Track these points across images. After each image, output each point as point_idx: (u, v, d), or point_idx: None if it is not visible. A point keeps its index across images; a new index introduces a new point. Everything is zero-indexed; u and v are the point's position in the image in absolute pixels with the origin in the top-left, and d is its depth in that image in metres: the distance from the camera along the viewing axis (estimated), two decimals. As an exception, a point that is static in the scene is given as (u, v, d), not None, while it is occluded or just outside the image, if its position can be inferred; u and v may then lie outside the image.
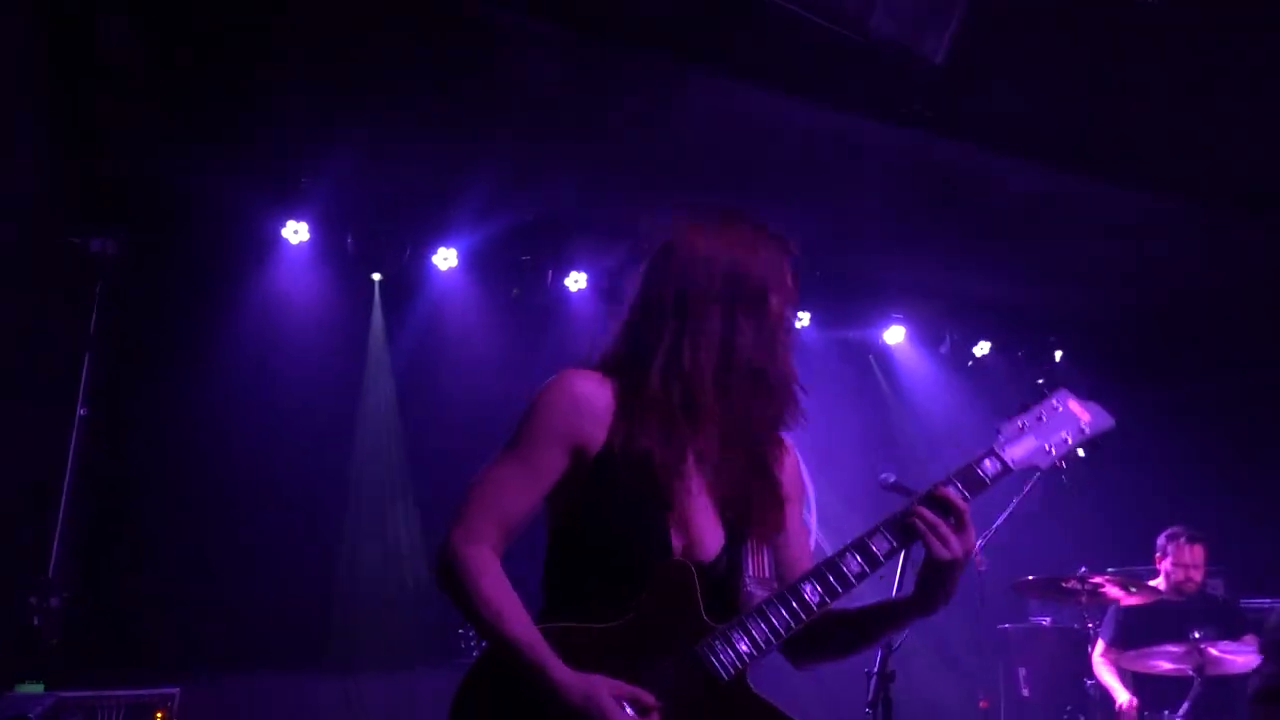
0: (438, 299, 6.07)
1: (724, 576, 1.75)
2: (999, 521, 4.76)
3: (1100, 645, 4.89)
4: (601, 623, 1.67)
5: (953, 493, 1.76)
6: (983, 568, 4.61)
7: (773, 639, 1.69)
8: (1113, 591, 4.75)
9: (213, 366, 5.29)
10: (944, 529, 1.72)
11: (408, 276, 5.98)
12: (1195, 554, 5.16)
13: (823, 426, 6.63)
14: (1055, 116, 5.12)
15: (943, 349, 7.49)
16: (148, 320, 5.28)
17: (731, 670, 1.66)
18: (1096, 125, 5.17)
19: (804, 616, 1.70)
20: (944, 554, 1.71)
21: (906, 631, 1.98)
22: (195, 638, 4.95)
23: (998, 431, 1.87)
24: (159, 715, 4.11)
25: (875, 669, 2.68)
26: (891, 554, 1.74)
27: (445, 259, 5.96)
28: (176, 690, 4.28)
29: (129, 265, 5.27)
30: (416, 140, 5.21)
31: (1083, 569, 4.63)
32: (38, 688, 3.81)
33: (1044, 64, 4.59)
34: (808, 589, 1.72)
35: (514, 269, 6.27)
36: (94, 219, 5.20)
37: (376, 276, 6.01)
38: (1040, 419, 1.90)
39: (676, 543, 1.73)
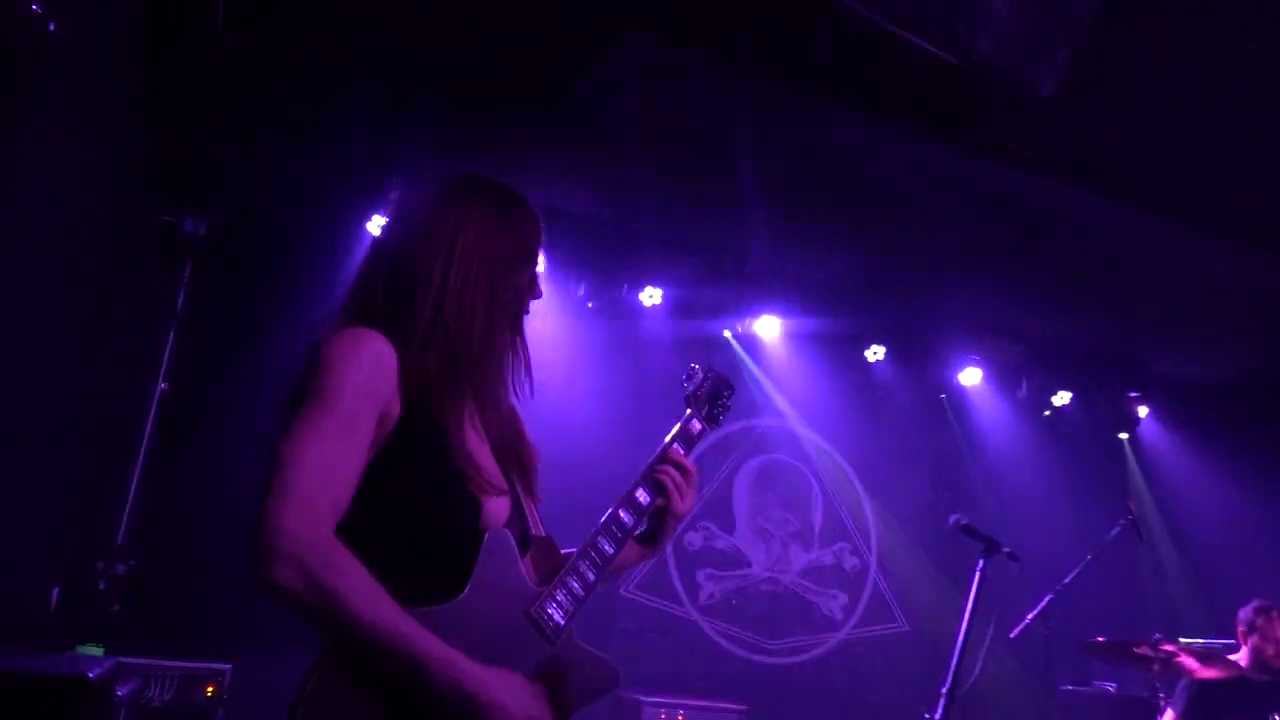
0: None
1: (520, 538, 1.72)
2: (1070, 578, 4.60)
3: (1169, 717, 4.66)
4: (437, 604, 1.52)
5: (681, 452, 2.00)
6: (1049, 623, 4.42)
7: (583, 592, 1.73)
8: (1188, 662, 4.53)
9: (289, 352, 5.38)
10: (684, 485, 1.95)
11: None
12: None
13: (892, 461, 6.55)
14: (1159, 159, 4.95)
15: (1020, 394, 7.28)
16: (231, 302, 5.41)
17: (563, 625, 1.67)
18: (1206, 173, 4.98)
19: (603, 566, 1.78)
20: (681, 506, 1.96)
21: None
22: (251, 616, 5.01)
23: (687, 404, 2.16)
24: (210, 689, 4.17)
25: (938, 715, 2.59)
26: (652, 505, 1.95)
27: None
28: (229, 667, 4.34)
29: (218, 248, 5.41)
30: (490, 151, 5.26)
31: (1156, 635, 4.42)
32: (98, 651, 3.89)
33: (1153, 102, 4.43)
34: (603, 542, 1.82)
35: (589, 279, 6.29)
36: (187, 202, 5.35)
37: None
38: (702, 391, 2.21)
39: (482, 510, 1.64)
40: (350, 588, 1.43)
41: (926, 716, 2.62)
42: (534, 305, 1.85)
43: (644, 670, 5.95)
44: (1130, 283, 6.19)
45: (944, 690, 2.68)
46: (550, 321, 6.20)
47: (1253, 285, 5.95)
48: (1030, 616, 4.35)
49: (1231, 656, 4.83)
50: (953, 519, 3.26)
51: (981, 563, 3.06)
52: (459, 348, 1.66)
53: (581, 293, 6.32)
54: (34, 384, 3.81)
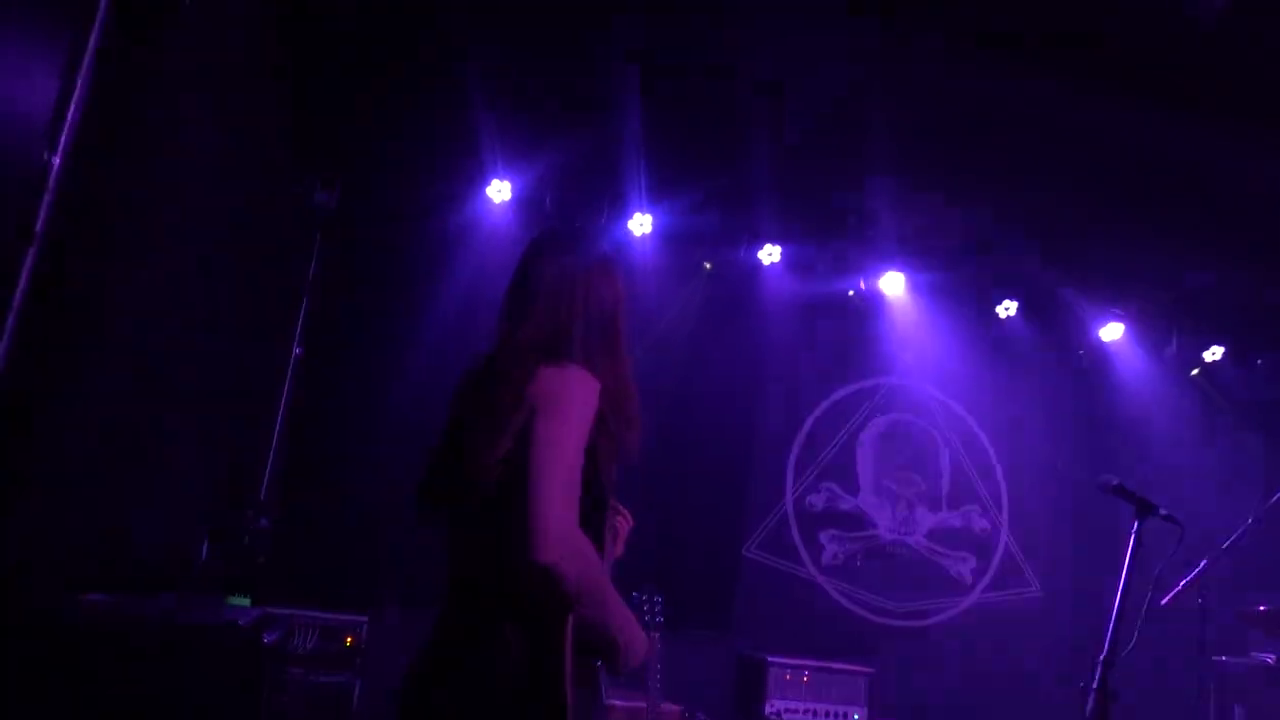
0: (629, 266, 6.06)
1: None
2: (1225, 545, 4.30)
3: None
4: None
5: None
6: (1203, 595, 4.15)
7: None
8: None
9: (416, 316, 5.49)
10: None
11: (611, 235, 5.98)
12: None
13: (1024, 421, 6.26)
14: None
15: (1168, 351, 6.83)
16: (361, 269, 5.54)
17: None
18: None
19: None
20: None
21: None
22: (387, 571, 5.18)
23: None
24: (348, 640, 4.33)
25: (1095, 684, 2.44)
26: None
27: (640, 224, 5.92)
28: (365, 618, 4.49)
29: (346, 217, 5.54)
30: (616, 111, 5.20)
31: (1326, 605, 4.08)
32: (245, 601, 4.07)
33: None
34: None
35: (706, 240, 6.17)
36: (316, 172, 5.49)
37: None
38: None
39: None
40: (603, 579, 1.84)
41: (1083, 685, 2.47)
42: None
43: (767, 631, 5.90)
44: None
45: (1101, 659, 2.51)
46: (669, 285, 6.14)
47: None
48: (1184, 583, 4.09)
49: None
50: (1103, 480, 3.05)
51: (1136, 525, 2.85)
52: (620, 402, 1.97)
53: (708, 267, 6.23)
54: (186, 351, 3.99)
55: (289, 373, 5.40)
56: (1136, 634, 2.70)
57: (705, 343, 6.16)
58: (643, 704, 4.34)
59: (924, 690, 5.81)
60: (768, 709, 4.98)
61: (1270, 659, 5.58)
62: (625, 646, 1.85)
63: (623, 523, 2.14)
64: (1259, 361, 6.92)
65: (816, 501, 6.44)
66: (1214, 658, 5.01)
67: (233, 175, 4.27)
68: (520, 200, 5.81)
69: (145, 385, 3.66)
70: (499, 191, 5.75)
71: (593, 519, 1.84)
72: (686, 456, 5.97)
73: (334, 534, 5.20)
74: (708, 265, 6.23)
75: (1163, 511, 2.93)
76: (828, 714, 5.09)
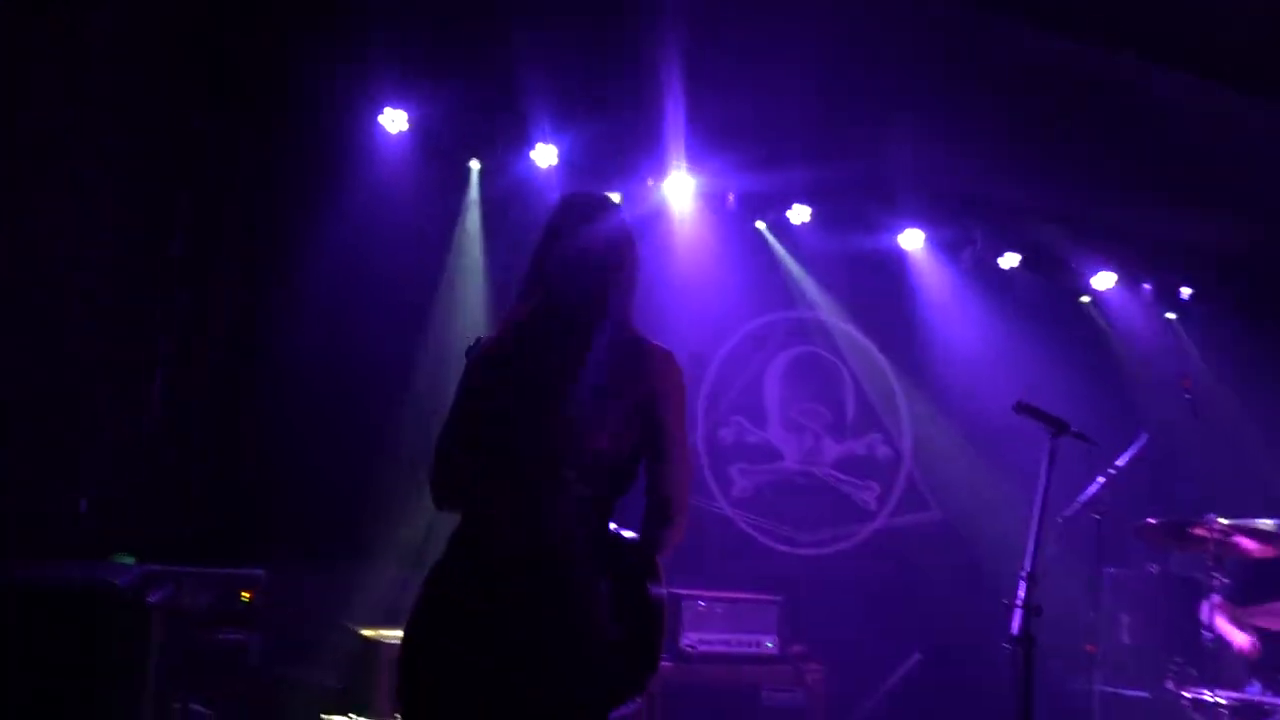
0: (538, 200, 5.81)
1: None
2: (1123, 460, 4.43)
3: (1220, 597, 4.53)
4: None
5: None
6: (1103, 508, 4.27)
7: None
8: (1244, 542, 4.39)
9: (306, 249, 5.17)
10: None
11: (507, 175, 5.73)
12: None
13: (925, 349, 6.30)
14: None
15: (1064, 276, 6.99)
16: (243, 200, 5.18)
17: None
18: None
19: None
20: None
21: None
22: (280, 523, 4.94)
23: None
24: (245, 595, 4.10)
25: (1019, 599, 2.44)
26: None
27: (544, 156, 5.68)
28: (263, 571, 4.26)
29: (228, 144, 5.15)
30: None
31: (1211, 515, 4.26)
32: (129, 559, 3.80)
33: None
34: None
35: (611, 172, 5.97)
36: (197, 97, 5.07)
37: (475, 165, 5.75)
38: None
39: None
40: None
41: (1006, 601, 2.47)
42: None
43: (680, 566, 5.87)
44: (1175, 155, 5.84)
45: (1024, 573, 2.52)
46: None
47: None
48: (1082, 500, 4.19)
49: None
50: (1017, 401, 3.06)
51: (1050, 444, 2.86)
52: None
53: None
54: (59, 301, 3.65)
55: (171, 319, 5.03)
56: (1052, 548, 2.72)
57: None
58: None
59: (833, 614, 5.90)
60: (683, 642, 4.96)
61: (1155, 568, 5.86)
62: None
63: None
64: (1145, 287, 7.16)
65: (726, 435, 6.42)
66: (1106, 569, 5.22)
67: (110, 107, 3.89)
68: (418, 131, 5.49)
69: (16, 340, 3.33)
70: (393, 121, 5.42)
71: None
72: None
73: (226, 487, 4.92)
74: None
75: (1074, 429, 2.95)
76: (741, 643, 5.11)
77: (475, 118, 5.54)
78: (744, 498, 6.35)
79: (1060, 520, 4.40)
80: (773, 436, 6.52)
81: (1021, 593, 2.48)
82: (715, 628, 5.09)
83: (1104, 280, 7.01)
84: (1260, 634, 4.62)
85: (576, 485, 1.93)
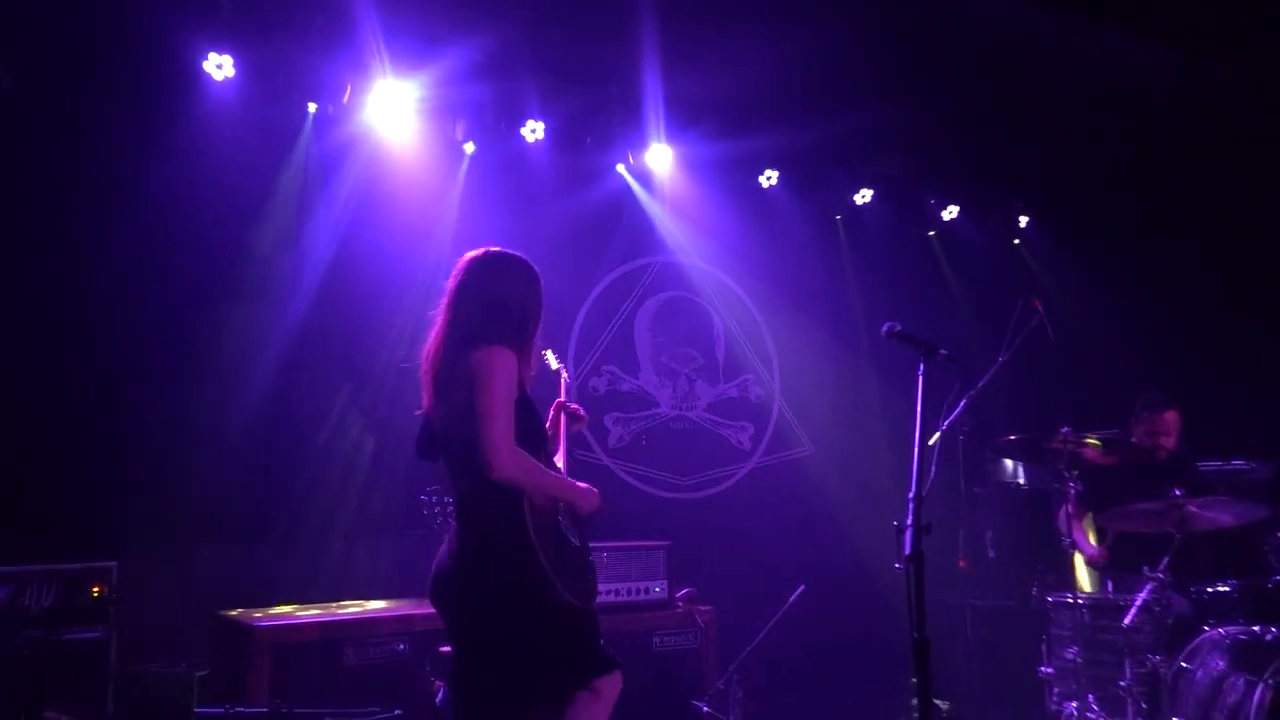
0: (380, 147, 5.57)
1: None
2: (984, 381, 4.65)
3: (1072, 506, 4.87)
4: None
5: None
6: (966, 428, 4.50)
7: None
8: (1090, 453, 4.71)
9: (129, 209, 4.78)
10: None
11: (350, 120, 5.45)
12: (1169, 420, 5.20)
13: (791, 289, 6.42)
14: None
15: (912, 212, 7.26)
16: (53, 159, 4.73)
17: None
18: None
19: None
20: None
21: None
22: (131, 512, 4.63)
23: None
24: (96, 589, 3.82)
25: (909, 520, 2.53)
26: None
27: (392, 92, 5.41)
28: (114, 564, 3.98)
29: (35, 97, 4.68)
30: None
31: (1064, 429, 4.54)
32: (-43, 563, 3.46)
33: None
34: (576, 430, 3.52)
35: (470, 114, 5.77)
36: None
37: (311, 107, 5.43)
38: None
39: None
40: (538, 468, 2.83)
41: (896, 523, 2.56)
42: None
43: (561, 519, 5.87)
44: (1020, 85, 6.11)
45: (910, 496, 2.61)
46: (425, 168, 5.73)
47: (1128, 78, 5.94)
48: (946, 422, 4.38)
49: (1133, 441, 5.08)
50: (886, 327, 3.14)
51: (922, 367, 2.96)
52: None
53: (459, 135, 5.82)
54: None
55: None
56: (935, 469, 2.83)
57: (467, 231, 5.82)
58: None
59: (718, 555, 6.04)
60: (572, 595, 4.96)
61: (1014, 483, 6.24)
62: (572, 502, 2.95)
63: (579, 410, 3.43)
64: (988, 216, 7.53)
65: (599, 385, 6.42)
66: (971, 488, 5.53)
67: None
68: (246, 77, 5.15)
69: None
70: (219, 68, 5.06)
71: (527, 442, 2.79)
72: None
73: (67, 478, 4.55)
74: (469, 146, 5.82)
75: (943, 352, 3.05)
76: (630, 590, 5.15)
77: (312, 62, 5.23)
78: (621, 447, 6.38)
79: (930, 444, 4.61)
80: (646, 383, 6.56)
81: (911, 513, 2.57)
82: (603, 578, 5.10)
83: (950, 211, 7.33)
84: (1109, 535, 5.01)
85: None
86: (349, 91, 5.36)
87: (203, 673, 4.14)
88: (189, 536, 4.76)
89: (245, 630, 4.03)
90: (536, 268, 3.06)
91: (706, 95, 6.20)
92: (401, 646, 4.35)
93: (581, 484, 2.97)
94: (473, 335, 2.83)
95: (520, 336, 2.90)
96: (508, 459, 2.68)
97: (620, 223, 6.50)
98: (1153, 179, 6.95)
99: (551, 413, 3.36)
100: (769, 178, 6.72)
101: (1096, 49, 5.70)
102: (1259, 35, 5.46)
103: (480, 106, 5.74)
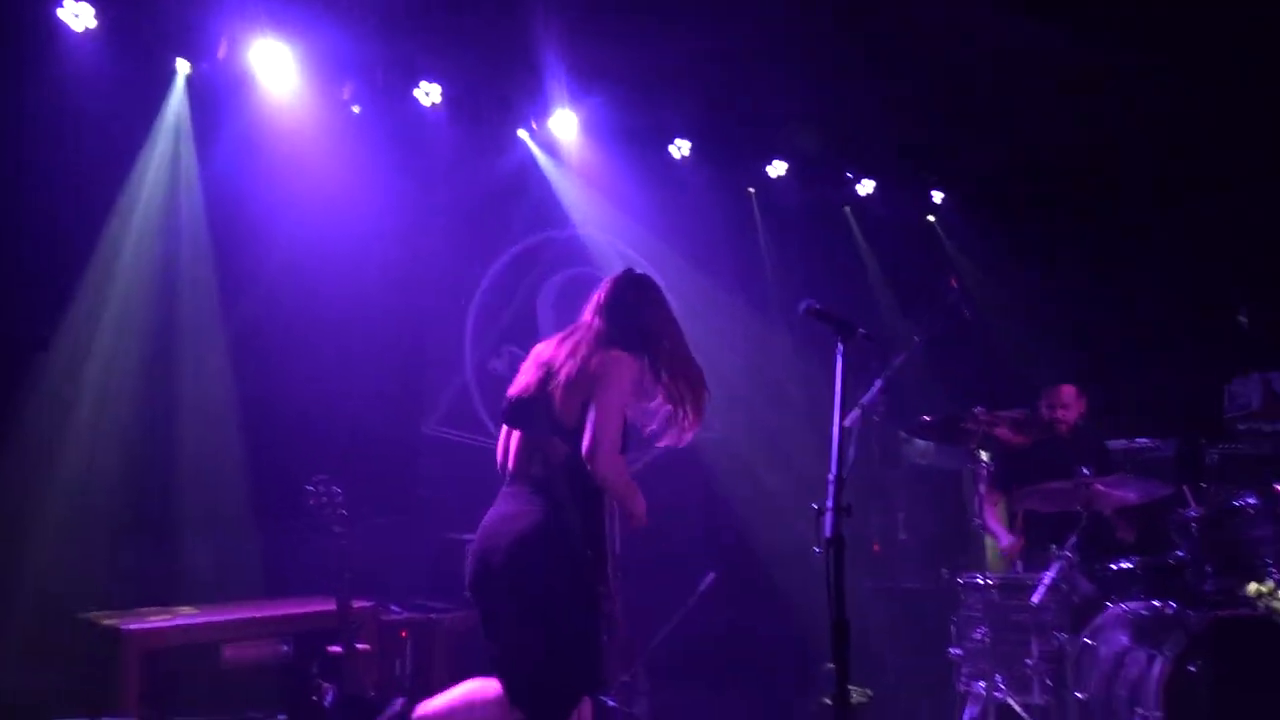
0: (260, 109, 5.34)
1: None
2: (900, 360, 4.75)
3: (985, 487, 5.03)
4: None
5: None
6: (881, 409, 4.58)
7: None
8: (1002, 432, 4.87)
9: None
10: None
11: (226, 77, 5.22)
12: (1064, 394, 5.44)
13: (700, 264, 6.41)
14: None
15: (823, 186, 7.36)
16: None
17: None
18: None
19: None
20: None
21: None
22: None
23: None
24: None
25: (830, 502, 2.56)
26: None
27: (270, 53, 5.20)
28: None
29: None
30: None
31: (978, 408, 4.69)
32: None
33: None
34: None
35: (357, 74, 5.59)
36: None
37: (183, 68, 5.18)
38: None
39: None
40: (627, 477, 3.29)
41: (816, 505, 2.59)
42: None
43: (460, 509, 5.78)
44: (935, 61, 6.24)
45: (830, 478, 2.65)
46: (310, 132, 5.52)
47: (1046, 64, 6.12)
48: (862, 402, 4.45)
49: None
50: (803, 305, 3.17)
51: (841, 347, 2.99)
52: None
53: (346, 95, 5.63)
54: None
55: None
56: (854, 450, 2.88)
57: (356, 202, 5.65)
58: (332, 606, 4.08)
59: (625, 543, 6.03)
60: (472, 588, 4.90)
61: (926, 464, 6.42)
62: (633, 515, 3.33)
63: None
64: (902, 194, 7.69)
65: (499, 366, 6.32)
66: (884, 470, 5.67)
67: None
68: (109, 27, 4.88)
69: None
70: (76, 16, 4.78)
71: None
72: (351, 333, 5.56)
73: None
74: (356, 109, 5.64)
75: (862, 331, 3.09)
76: (533, 583, 5.11)
77: (182, 13, 4.99)
78: (523, 432, 6.32)
79: (847, 425, 4.69)
80: (550, 364, 6.50)
81: (831, 496, 2.60)
82: (504, 570, 5.06)
83: (866, 186, 7.46)
84: (1019, 517, 5.20)
85: None
86: (224, 47, 5.12)
87: (73, 686, 3.97)
88: (45, 533, 4.52)
89: (111, 635, 3.86)
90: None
91: (615, 60, 6.14)
92: (285, 648, 4.24)
93: (643, 503, 3.34)
94: (616, 340, 3.29)
95: (659, 351, 3.38)
96: (609, 460, 3.11)
97: (522, 194, 6.41)
98: (1066, 160, 7.20)
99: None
100: (680, 148, 6.70)
101: (1012, 29, 5.85)
102: (1167, 20, 5.69)
103: (369, 65, 5.56)
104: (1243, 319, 6.04)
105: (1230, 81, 6.11)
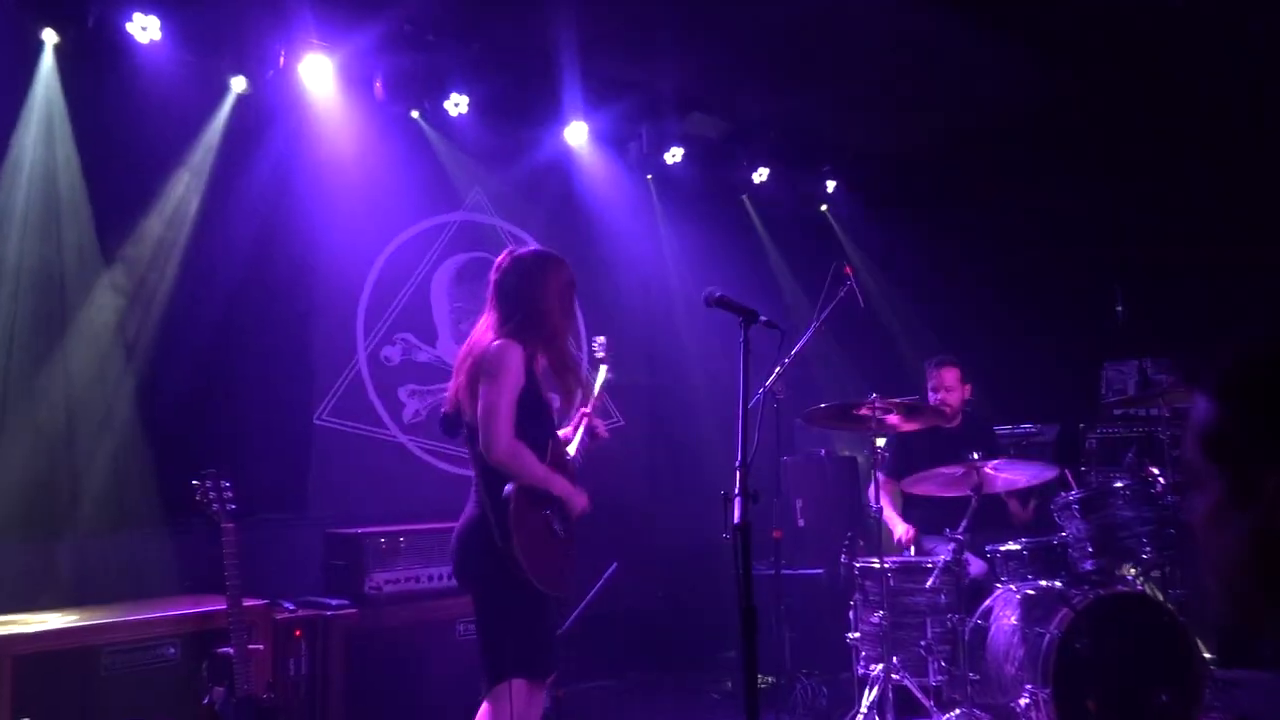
0: (139, 81, 5.16)
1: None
2: (797, 348, 4.93)
3: (880, 475, 5.24)
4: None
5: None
6: (781, 395, 4.76)
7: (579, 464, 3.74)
8: (893, 420, 5.10)
9: None
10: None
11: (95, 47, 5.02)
12: (947, 377, 5.72)
13: (596, 250, 6.50)
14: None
15: (724, 173, 7.50)
16: None
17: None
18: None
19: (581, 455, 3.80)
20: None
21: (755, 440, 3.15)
22: None
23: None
24: None
25: (736, 489, 2.67)
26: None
27: (144, 28, 5.04)
28: None
29: None
30: None
31: (873, 395, 4.89)
32: None
33: None
34: (586, 439, 3.86)
35: (229, 51, 5.45)
36: None
37: (49, 38, 4.94)
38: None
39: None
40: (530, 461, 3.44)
41: (724, 492, 2.70)
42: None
43: (354, 502, 5.75)
44: (818, 51, 6.42)
45: (737, 464, 2.76)
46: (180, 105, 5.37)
47: (937, 47, 6.39)
48: (761, 390, 4.61)
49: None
50: (707, 292, 3.29)
51: (744, 334, 3.12)
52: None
53: (227, 69, 5.48)
54: None
55: None
56: (758, 436, 3.00)
57: (234, 184, 5.51)
58: (222, 605, 4.01)
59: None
60: (368, 585, 4.88)
61: (822, 452, 6.65)
62: (560, 498, 3.52)
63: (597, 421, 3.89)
64: (794, 181, 7.91)
65: (393, 355, 6.28)
66: (782, 458, 5.85)
67: None
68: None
69: None
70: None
71: (531, 430, 3.45)
72: (240, 323, 5.44)
73: None
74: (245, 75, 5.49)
75: (764, 318, 3.23)
76: (431, 577, 5.13)
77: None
78: (418, 422, 6.29)
79: (750, 408, 4.84)
80: (444, 353, 6.48)
81: (739, 482, 2.71)
82: (401, 564, 5.07)
83: (760, 175, 7.63)
84: (917, 501, 5.45)
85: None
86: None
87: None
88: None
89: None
90: (569, 267, 3.63)
91: (506, 36, 6.15)
92: (171, 651, 4.15)
93: (570, 486, 3.55)
94: (504, 328, 3.45)
95: (541, 333, 3.49)
96: (503, 448, 3.32)
97: (414, 174, 6.36)
98: (958, 151, 7.52)
99: (575, 419, 3.85)
100: (575, 131, 6.74)
101: (910, 21, 6.09)
102: (1062, 17, 6.01)
103: (246, 41, 5.42)
104: (1119, 308, 6.44)
105: (1107, 70, 6.51)
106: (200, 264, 5.26)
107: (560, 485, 3.51)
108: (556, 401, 3.74)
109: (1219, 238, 6.60)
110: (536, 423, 3.47)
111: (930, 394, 5.76)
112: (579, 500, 3.60)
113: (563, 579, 3.55)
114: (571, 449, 3.75)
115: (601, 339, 4.05)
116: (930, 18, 5.93)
